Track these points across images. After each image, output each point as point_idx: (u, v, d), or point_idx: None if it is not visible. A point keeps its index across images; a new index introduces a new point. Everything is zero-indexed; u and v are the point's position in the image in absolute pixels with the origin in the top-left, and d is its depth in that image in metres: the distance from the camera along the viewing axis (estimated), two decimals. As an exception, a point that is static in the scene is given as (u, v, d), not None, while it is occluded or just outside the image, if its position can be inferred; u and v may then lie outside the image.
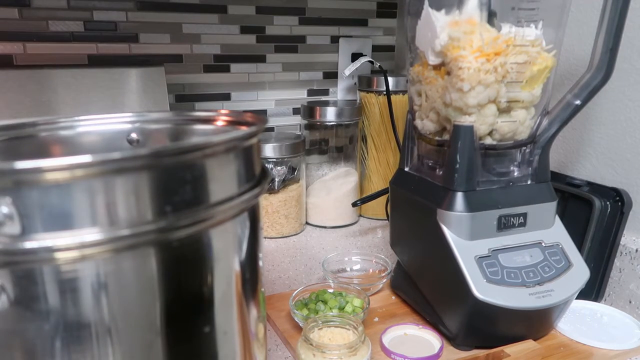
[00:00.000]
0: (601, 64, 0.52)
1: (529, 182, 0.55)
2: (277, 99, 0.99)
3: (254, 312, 0.35)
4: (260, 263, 0.37)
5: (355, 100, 1.02)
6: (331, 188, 0.92)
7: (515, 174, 0.55)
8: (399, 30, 1.07)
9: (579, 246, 0.58)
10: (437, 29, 0.51)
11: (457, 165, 0.51)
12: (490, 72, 0.49)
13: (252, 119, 0.39)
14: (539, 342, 0.53)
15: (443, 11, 0.51)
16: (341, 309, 0.57)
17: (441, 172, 0.55)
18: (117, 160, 0.24)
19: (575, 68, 0.66)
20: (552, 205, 0.55)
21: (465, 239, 0.51)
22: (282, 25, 0.96)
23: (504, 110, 0.52)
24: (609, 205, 0.60)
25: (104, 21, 0.82)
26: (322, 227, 0.92)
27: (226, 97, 0.95)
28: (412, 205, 0.58)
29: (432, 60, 0.52)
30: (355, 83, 1.03)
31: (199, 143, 0.28)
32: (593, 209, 0.60)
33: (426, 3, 0.52)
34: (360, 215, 0.96)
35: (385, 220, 0.93)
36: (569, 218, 0.61)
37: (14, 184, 0.23)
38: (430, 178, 0.56)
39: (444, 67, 0.52)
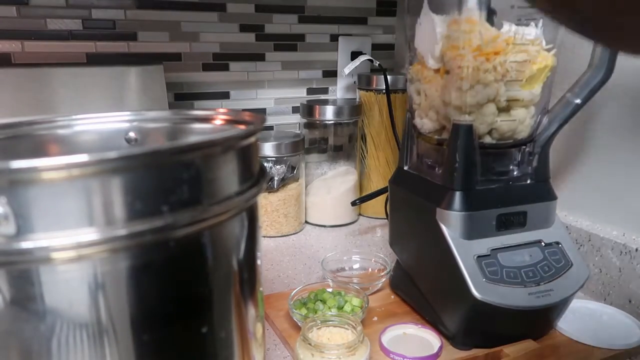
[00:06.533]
0: (601, 63, 0.52)
1: (528, 181, 0.55)
2: (277, 97, 0.99)
3: (252, 311, 0.35)
4: (259, 262, 0.37)
5: (355, 98, 1.01)
6: (330, 187, 0.92)
7: (515, 173, 0.55)
8: (398, 29, 1.07)
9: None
10: (437, 35, 0.50)
11: (456, 165, 0.51)
12: (489, 71, 0.49)
13: (251, 118, 0.39)
14: (538, 342, 0.53)
15: (443, 17, 0.51)
16: (340, 308, 0.57)
17: (440, 171, 0.54)
18: (113, 160, 0.24)
19: (575, 67, 0.66)
20: (552, 205, 0.55)
21: (465, 238, 0.51)
22: (281, 24, 0.95)
23: (503, 109, 0.51)
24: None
25: (103, 19, 0.82)
26: (322, 226, 0.91)
27: (225, 95, 0.95)
28: (412, 204, 0.58)
29: (432, 64, 0.52)
30: (354, 82, 1.03)
31: (197, 142, 0.28)
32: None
33: (425, 6, 0.52)
34: (360, 214, 0.96)
35: (384, 219, 0.93)
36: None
37: (9, 184, 0.23)
38: (429, 177, 0.56)
39: (443, 66, 0.52)
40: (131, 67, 0.76)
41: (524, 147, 0.54)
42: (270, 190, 0.84)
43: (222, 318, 0.32)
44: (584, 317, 0.58)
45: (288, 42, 0.97)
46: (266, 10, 0.93)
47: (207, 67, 0.92)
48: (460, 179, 0.51)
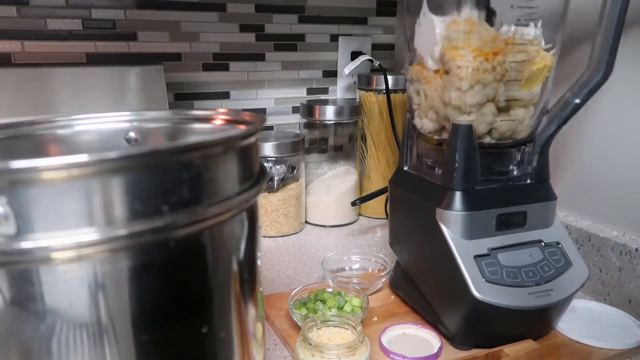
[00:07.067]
0: (600, 63, 0.52)
1: (528, 181, 0.55)
2: (277, 97, 0.99)
3: (252, 311, 0.35)
4: (259, 262, 0.37)
5: (355, 98, 1.01)
6: (331, 187, 0.92)
7: (515, 172, 0.55)
8: (398, 29, 1.07)
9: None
10: (437, 36, 0.50)
11: (456, 164, 0.51)
12: (488, 71, 0.49)
13: (251, 118, 0.39)
14: (538, 342, 0.53)
15: (442, 18, 0.51)
16: (340, 308, 0.57)
17: (440, 171, 0.54)
18: (113, 160, 0.24)
19: (575, 67, 0.66)
20: (552, 205, 0.55)
21: (464, 238, 0.51)
22: (281, 24, 0.96)
23: (503, 109, 0.51)
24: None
25: (103, 19, 0.82)
26: (322, 226, 0.92)
27: (225, 95, 0.95)
28: (412, 204, 0.58)
29: (432, 65, 0.52)
30: (354, 82, 1.03)
31: (197, 142, 0.28)
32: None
33: (425, 7, 0.52)
34: (360, 214, 0.96)
35: (384, 219, 0.93)
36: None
37: (9, 184, 0.23)
38: (429, 177, 0.56)
39: (442, 66, 0.52)
40: (131, 67, 0.76)
41: (523, 147, 0.54)
42: (270, 190, 0.84)
43: (222, 318, 0.32)
44: (584, 317, 0.58)
45: (288, 42, 0.97)
46: (266, 10, 0.93)
47: (207, 67, 0.92)
48: (460, 179, 0.51)
